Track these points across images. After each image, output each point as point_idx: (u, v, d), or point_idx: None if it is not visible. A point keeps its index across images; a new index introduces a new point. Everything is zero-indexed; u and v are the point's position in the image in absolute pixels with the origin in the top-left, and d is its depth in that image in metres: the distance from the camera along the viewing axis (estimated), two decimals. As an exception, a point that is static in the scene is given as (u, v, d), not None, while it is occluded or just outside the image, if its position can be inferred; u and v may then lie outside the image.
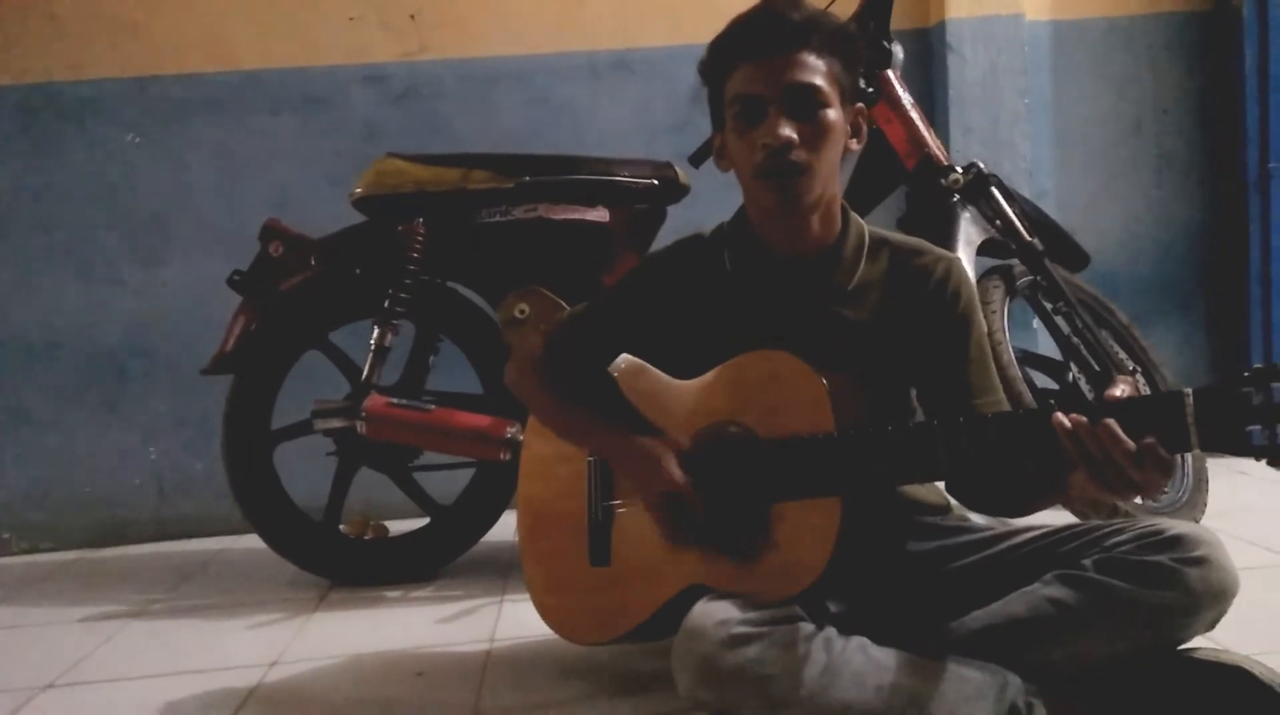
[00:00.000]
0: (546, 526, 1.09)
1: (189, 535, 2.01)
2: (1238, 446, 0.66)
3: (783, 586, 0.85)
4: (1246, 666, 0.79)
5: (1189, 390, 0.68)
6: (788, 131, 0.86)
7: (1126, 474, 0.71)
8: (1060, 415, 0.73)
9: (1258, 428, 0.66)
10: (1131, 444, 0.70)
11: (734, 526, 0.88)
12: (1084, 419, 0.72)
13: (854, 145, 0.93)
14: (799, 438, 0.86)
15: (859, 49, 0.93)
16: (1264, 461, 0.66)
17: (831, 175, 0.91)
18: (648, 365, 1.03)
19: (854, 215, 0.98)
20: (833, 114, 0.88)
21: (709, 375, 0.95)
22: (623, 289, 1.06)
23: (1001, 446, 0.76)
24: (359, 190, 1.56)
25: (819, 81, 0.87)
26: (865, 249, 0.96)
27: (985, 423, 0.78)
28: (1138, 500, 1.47)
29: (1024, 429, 0.76)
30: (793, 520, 0.86)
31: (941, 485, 1.06)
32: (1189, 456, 1.61)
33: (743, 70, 0.88)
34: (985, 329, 0.98)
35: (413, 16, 2.03)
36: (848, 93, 0.90)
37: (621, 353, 1.04)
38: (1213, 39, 2.18)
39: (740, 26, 0.90)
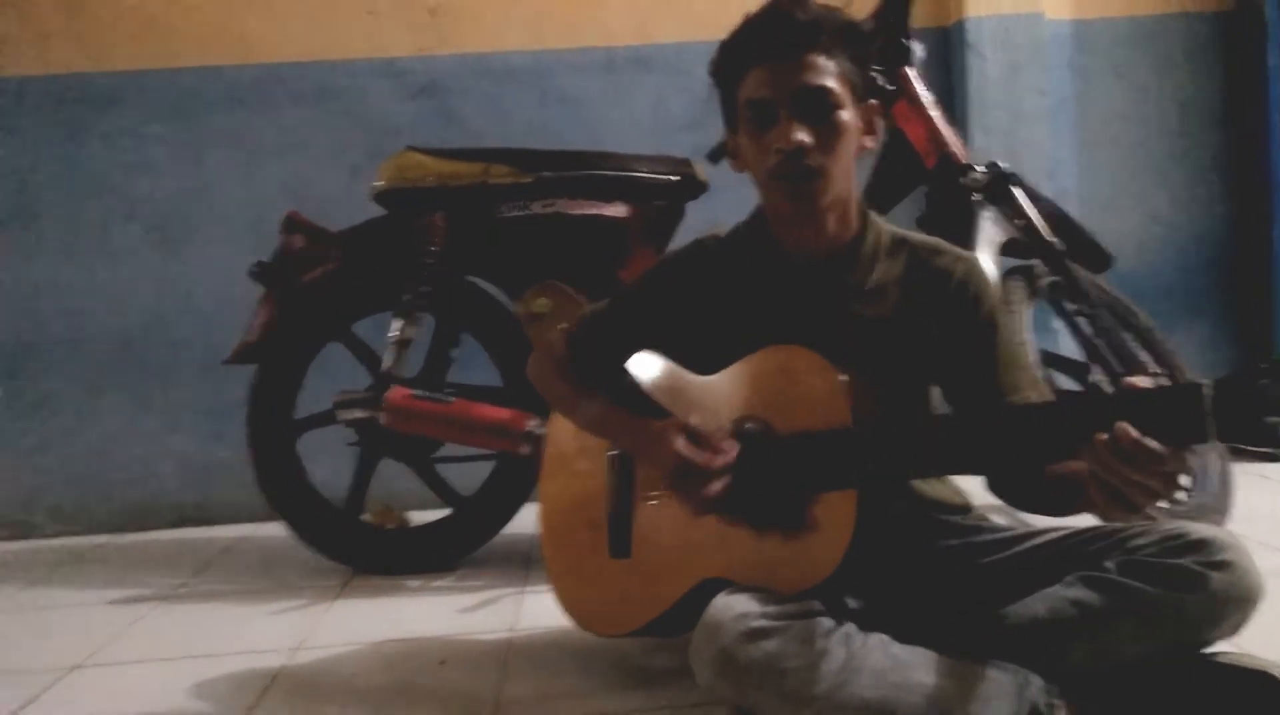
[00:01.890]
0: (568, 520, 1.10)
1: (213, 522, 2.03)
2: (1256, 437, 0.66)
3: (800, 578, 0.86)
4: (1272, 671, 0.79)
5: (1207, 380, 0.67)
6: (800, 135, 0.86)
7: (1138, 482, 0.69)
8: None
9: (1277, 419, 0.65)
10: (1150, 444, 0.68)
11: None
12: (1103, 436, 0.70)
13: (869, 143, 0.93)
14: (816, 432, 0.86)
15: (868, 45, 0.93)
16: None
17: (846, 175, 0.91)
18: (667, 361, 1.03)
19: (872, 214, 0.99)
20: (845, 115, 0.88)
21: (727, 371, 0.96)
22: (642, 287, 1.06)
23: (1009, 438, 0.75)
24: (379, 183, 1.57)
25: (830, 83, 0.87)
26: (883, 248, 0.97)
27: (997, 415, 0.77)
28: (1165, 505, 1.47)
29: (1032, 421, 0.75)
30: (810, 512, 0.87)
31: (962, 485, 1.07)
32: (1215, 460, 1.60)
33: (754, 74, 0.88)
34: (1008, 326, 0.98)
35: (431, 11, 2.04)
36: (860, 90, 0.90)
37: (642, 349, 1.05)
38: (1235, 39, 2.16)
39: (748, 30, 0.90)
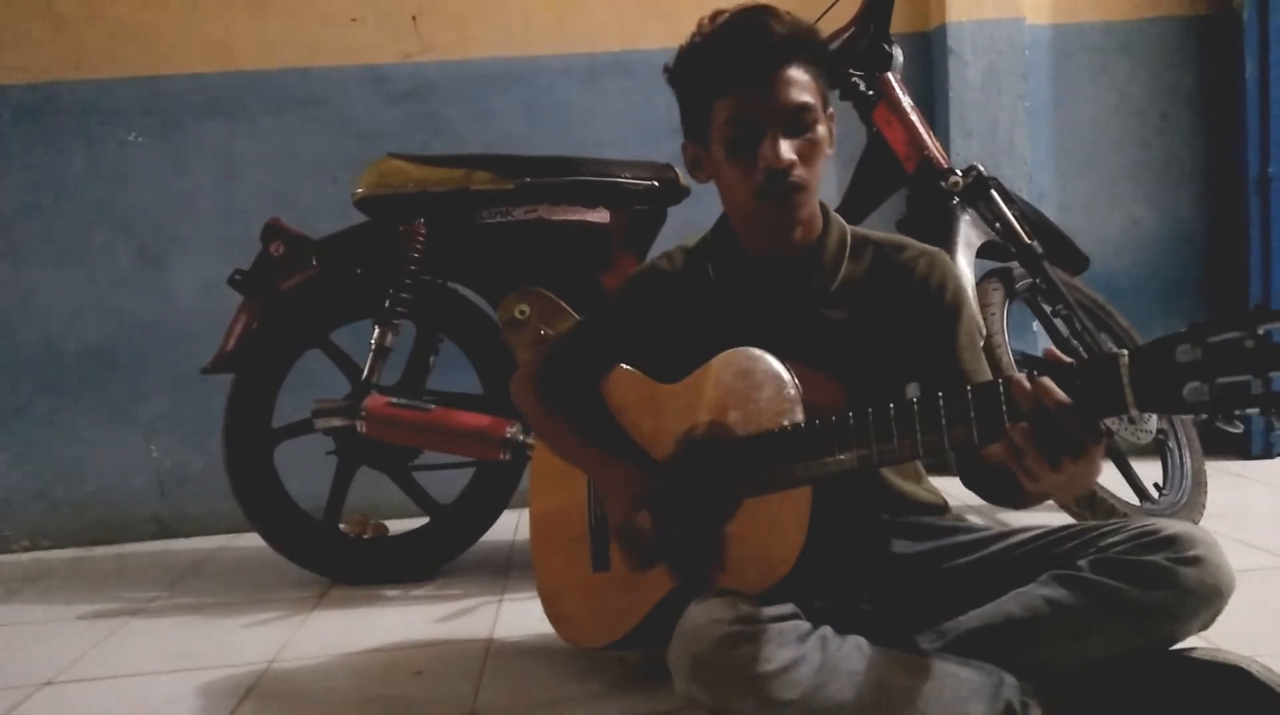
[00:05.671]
0: (554, 535, 1.11)
1: (189, 533, 2.01)
2: (1174, 406, 0.64)
3: (758, 578, 0.86)
4: (1244, 666, 0.79)
5: (1124, 351, 0.67)
6: (790, 154, 0.87)
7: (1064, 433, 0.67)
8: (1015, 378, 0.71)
9: (1196, 385, 0.63)
10: (1064, 396, 0.67)
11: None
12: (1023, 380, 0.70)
13: (829, 151, 0.94)
14: (771, 431, 0.86)
15: (828, 51, 0.95)
16: (1203, 417, 0.64)
17: (819, 184, 0.93)
18: (638, 372, 1.04)
19: (834, 216, 1.00)
20: (822, 129, 0.91)
21: (689, 378, 0.97)
22: (613, 305, 1.08)
23: (943, 416, 0.75)
24: (360, 190, 1.57)
25: (809, 99, 0.89)
26: (847, 249, 0.98)
27: (935, 398, 0.76)
28: (1137, 503, 1.47)
29: (966, 399, 0.74)
30: (766, 511, 0.87)
31: (939, 485, 1.06)
32: (1188, 458, 1.61)
33: (734, 94, 0.88)
34: (975, 314, 0.99)
35: (414, 18, 2.04)
36: (827, 101, 0.93)
37: (615, 364, 1.05)
38: (1213, 43, 2.18)
39: (725, 47, 0.89)
